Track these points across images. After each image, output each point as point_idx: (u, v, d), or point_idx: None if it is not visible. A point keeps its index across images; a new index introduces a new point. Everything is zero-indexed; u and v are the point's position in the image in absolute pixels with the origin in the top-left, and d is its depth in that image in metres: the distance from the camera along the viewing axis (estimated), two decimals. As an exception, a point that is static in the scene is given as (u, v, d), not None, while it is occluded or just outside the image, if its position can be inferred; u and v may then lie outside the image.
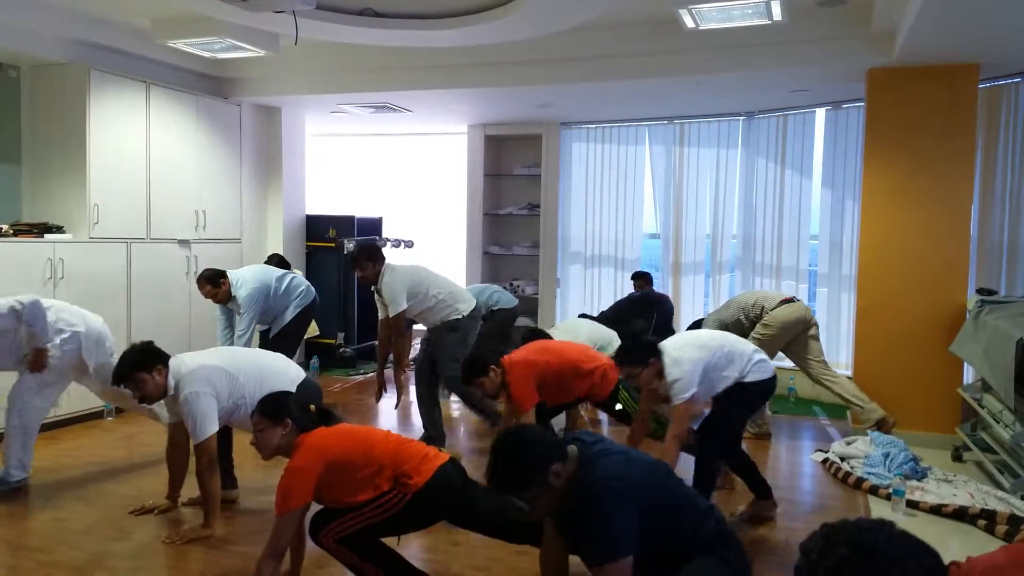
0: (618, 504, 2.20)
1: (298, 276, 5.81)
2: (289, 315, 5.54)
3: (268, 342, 5.54)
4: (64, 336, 4.16)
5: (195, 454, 3.53)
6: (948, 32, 4.47)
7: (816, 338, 5.18)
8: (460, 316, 4.83)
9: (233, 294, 5.27)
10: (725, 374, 3.60)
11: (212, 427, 3.48)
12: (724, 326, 5.36)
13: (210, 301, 5.32)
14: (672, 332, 6.51)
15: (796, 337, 5.13)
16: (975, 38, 4.61)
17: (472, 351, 4.61)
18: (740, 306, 5.38)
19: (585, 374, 4.27)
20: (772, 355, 5.44)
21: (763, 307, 5.21)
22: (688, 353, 3.56)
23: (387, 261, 4.85)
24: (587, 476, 2.26)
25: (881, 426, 4.82)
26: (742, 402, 3.68)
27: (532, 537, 2.87)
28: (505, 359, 4.19)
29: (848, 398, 4.98)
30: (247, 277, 5.38)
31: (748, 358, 3.65)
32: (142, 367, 3.50)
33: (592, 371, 4.27)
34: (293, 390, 3.54)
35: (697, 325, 5.80)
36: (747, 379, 3.61)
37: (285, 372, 3.74)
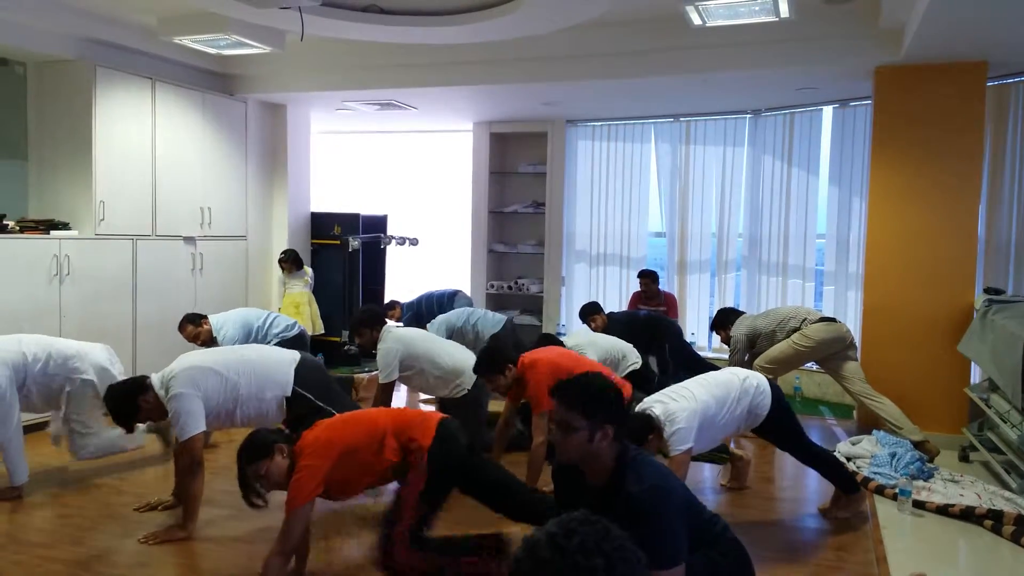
0: (676, 511, 2.24)
1: (282, 316, 5.79)
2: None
3: None
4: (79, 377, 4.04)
5: (177, 452, 3.51)
6: (956, 30, 4.45)
7: (854, 358, 5.14)
8: (466, 391, 4.68)
9: (215, 336, 5.29)
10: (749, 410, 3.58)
11: (197, 426, 3.46)
12: (756, 333, 5.38)
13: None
14: (687, 352, 6.38)
15: (833, 354, 5.13)
16: (983, 36, 4.58)
17: (488, 346, 4.40)
18: (779, 318, 5.36)
19: None
20: (800, 365, 5.51)
21: (804, 318, 5.24)
22: (686, 403, 3.46)
23: (386, 325, 4.78)
24: (641, 476, 2.26)
25: (921, 449, 4.61)
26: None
27: (534, 517, 2.86)
28: (525, 356, 4.10)
29: (890, 421, 4.82)
30: (231, 319, 5.43)
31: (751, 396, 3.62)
32: (134, 394, 3.47)
33: None
34: (292, 372, 3.70)
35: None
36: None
37: (279, 361, 3.77)
